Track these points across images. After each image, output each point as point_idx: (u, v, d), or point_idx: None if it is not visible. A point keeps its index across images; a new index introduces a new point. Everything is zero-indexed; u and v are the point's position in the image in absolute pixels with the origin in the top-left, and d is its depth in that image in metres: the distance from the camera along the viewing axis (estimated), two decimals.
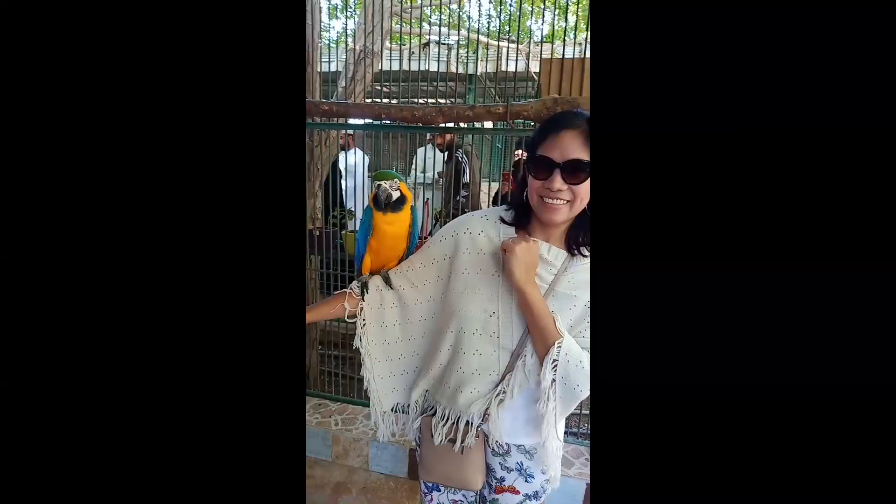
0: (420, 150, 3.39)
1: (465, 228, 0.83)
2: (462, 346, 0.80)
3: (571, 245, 0.76)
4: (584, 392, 0.74)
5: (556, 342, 0.72)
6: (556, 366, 0.72)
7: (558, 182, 0.69)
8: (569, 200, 0.71)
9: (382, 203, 0.83)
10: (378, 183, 0.83)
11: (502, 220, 0.81)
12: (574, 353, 0.73)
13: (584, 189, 0.69)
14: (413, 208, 0.89)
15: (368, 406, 1.87)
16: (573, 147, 0.68)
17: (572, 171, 0.68)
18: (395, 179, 0.84)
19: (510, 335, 0.77)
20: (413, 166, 3.52)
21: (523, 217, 0.79)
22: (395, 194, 0.83)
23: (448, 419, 0.83)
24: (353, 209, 2.15)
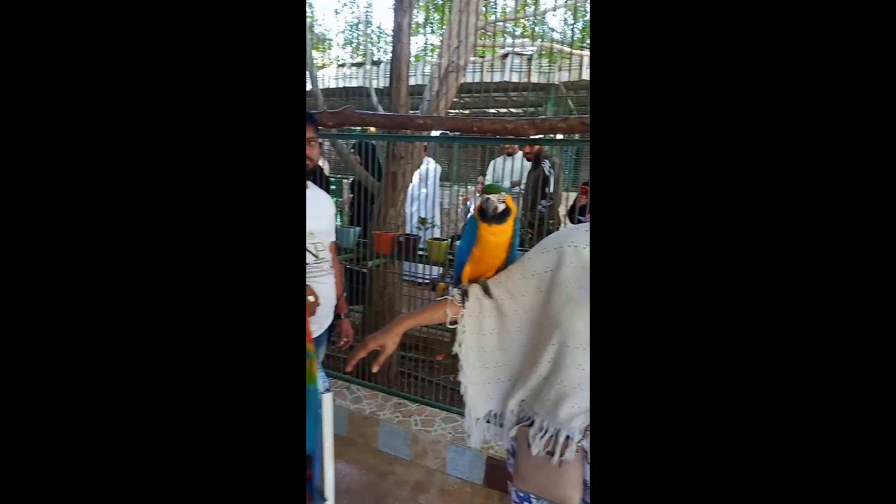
0: (492, 163, 3.42)
1: (570, 241, 0.83)
2: (565, 359, 0.80)
3: None
4: None
5: None
6: None
7: None
8: None
9: (490, 215, 0.87)
10: (487, 196, 0.87)
11: None
12: None
13: None
14: (516, 220, 0.92)
15: (446, 409, 1.92)
16: None
17: None
18: (502, 193, 0.87)
19: None
20: (488, 176, 3.56)
21: None
22: (501, 206, 0.87)
23: (547, 431, 0.84)
24: (427, 217, 2.23)
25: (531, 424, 0.86)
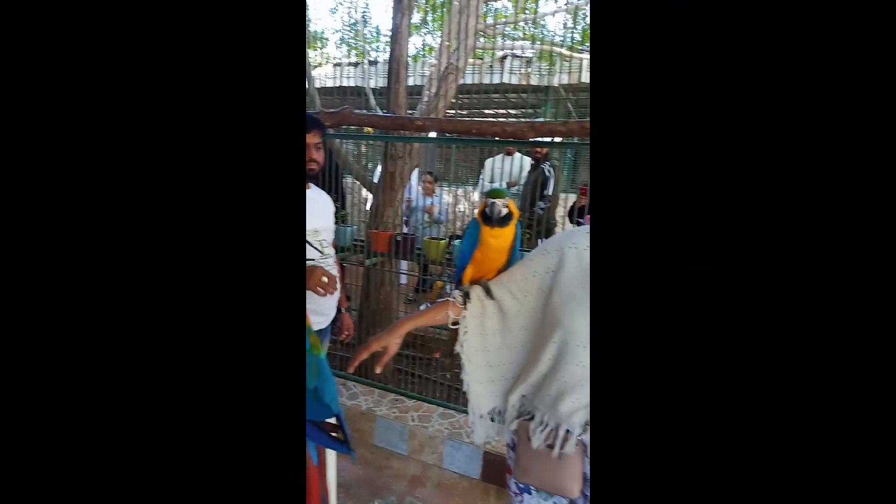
0: (488, 161, 3.45)
1: (571, 243, 0.86)
2: (566, 357, 0.83)
3: None
4: None
5: None
6: None
7: None
8: None
9: (493, 218, 0.89)
10: (491, 200, 0.89)
11: None
12: None
13: None
14: (518, 223, 0.94)
15: (443, 406, 1.94)
16: None
17: None
18: (506, 198, 0.90)
19: None
20: (481, 176, 3.59)
21: None
22: (504, 210, 0.89)
23: (547, 425, 0.87)
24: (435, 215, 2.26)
25: (531, 418, 0.89)
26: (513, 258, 0.96)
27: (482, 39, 3.56)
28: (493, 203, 0.89)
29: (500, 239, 0.92)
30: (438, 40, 2.71)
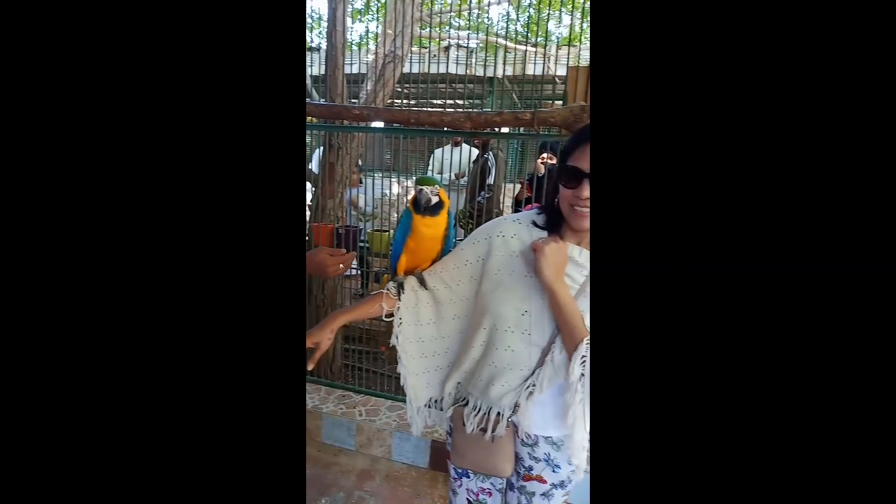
0: (437, 151, 3.44)
1: (498, 232, 0.88)
2: (495, 342, 0.85)
3: None
4: None
5: (585, 339, 0.76)
6: (584, 361, 0.76)
7: (587, 191, 0.74)
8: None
9: (422, 207, 0.89)
10: (420, 188, 0.89)
11: (534, 224, 0.86)
12: None
13: None
14: (450, 213, 0.95)
15: (391, 399, 1.94)
16: None
17: None
18: (436, 185, 0.89)
19: (542, 333, 0.83)
20: (430, 167, 3.58)
21: (555, 222, 0.83)
22: (434, 199, 0.89)
23: (480, 410, 0.89)
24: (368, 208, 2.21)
25: (466, 404, 0.91)
26: (447, 247, 0.97)
27: (426, 28, 3.53)
28: (422, 190, 0.88)
29: (432, 228, 0.91)
30: (381, 27, 2.65)
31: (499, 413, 0.87)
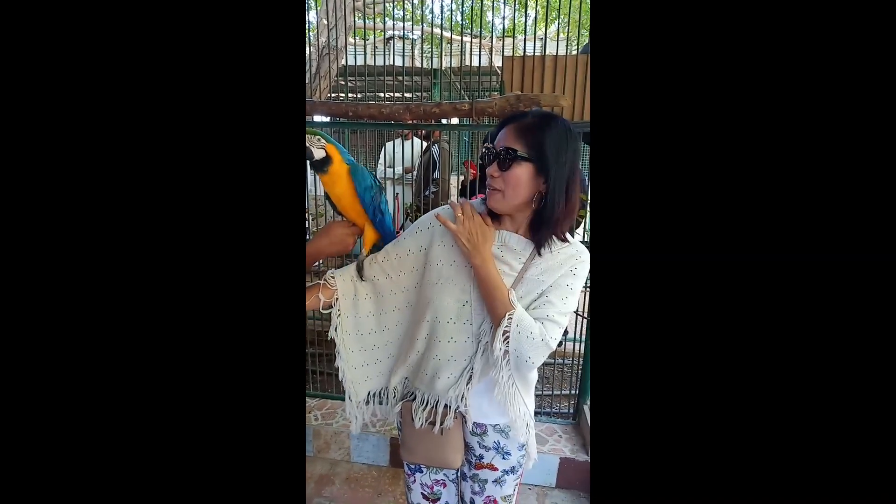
0: (388, 145, 3.38)
1: (439, 221, 0.87)
2: (438, 334, 0.85)
3: (533, 240, 0.80)
4: (536, 363, 0.78)
5: (508, 313, 0.77)
6: (507, 337, 0.76)
7: (493, 169, 0.75)
8: (500, 189, 0.76)
9: (310, 163, 0.81)
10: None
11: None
12: (526, 324, 0.76)
13: (514, 179, 0.74)
14: (355, 169, 0.86)
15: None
16: (510, 137, 0.74)
17: (503, 158, 0.74)
18: (319, 137, 0.81)
19: (482, 321, 0.83)
20: (380, 161, 3.51)
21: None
22: (319, 154, 0.81)
23: (427, 403, 0.88)
24: None
25: (414, 399, 0.90)
26: (364, 203, 0.87)
27: (367, 20, 3.44)
28: (308, 148, 0.81)
29: (332, 186, 0.84)
30: (317, 19, 2.55)
31: (446, 405, 0.87)
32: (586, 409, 1.77)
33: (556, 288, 0.80)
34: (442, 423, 0.87)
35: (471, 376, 0.84)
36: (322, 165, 0.82)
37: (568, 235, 0.82)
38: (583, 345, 1.81)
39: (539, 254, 0.80)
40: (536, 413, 1.98)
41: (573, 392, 1.90)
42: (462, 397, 0.85)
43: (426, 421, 0.88)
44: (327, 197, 0.90)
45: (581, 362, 1.84)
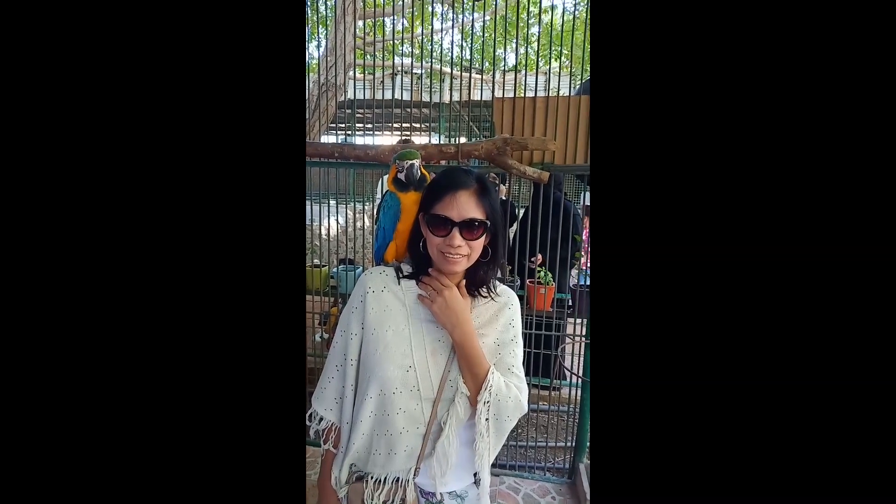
0: (385, 178, 3.41)
1: (367, 288, 0.82)
2: (386, 408, 0.78)
3: (471, 288, 0.82)
4: (513, 422, 0.79)
5: (485, 384, 0.76)
6: (487, 404, 0.77)
7: (458, 239, 0.74)
8: (466, 255, 0.76)
9: (415, 181, 0.82)
10: (409, 163, 0.82)
11: (399, 273, 0.82)
12: (502, 388, 0.77)
13: (478, 245, 0.77)
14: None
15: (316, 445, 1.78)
16: (469, 207, 0.74)
17: (470, 228, 0.74)
18: (419, 157, 0.83)
19: (429, 384, 0.78)
20: (377, 193, 3.53)
21: (423, 267, 0.81)
22: (419, 173, 0.83)
23: (384, 484, 0.80)
24: None
25: (362, 479, 0.82)
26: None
27: (369, 57, 3.52)
28: (412, 165, 0.82)
29: (412, 205, 0.84)
30: (321, 54, 2.61)
31: (396, 479, 0.79)
32: (583, 467, 1.64)
33: (503, 345, 0.82)
34: (403, 499, 0.79)
35: (447, 442, 0.78)
36: (423, 183, 0.83)
37: (495, 282, 0.85)
38: (579, 390, 1.71)
39: (481, 295, 0.82)
40: (529, 467, 1.86)
41: (568, 444, 1.77)
42: (417, 469, 0.78)
43: (381, 502, 0.80)
44: (385, 214, 0.88)
45: (578, 410, 1.72)
